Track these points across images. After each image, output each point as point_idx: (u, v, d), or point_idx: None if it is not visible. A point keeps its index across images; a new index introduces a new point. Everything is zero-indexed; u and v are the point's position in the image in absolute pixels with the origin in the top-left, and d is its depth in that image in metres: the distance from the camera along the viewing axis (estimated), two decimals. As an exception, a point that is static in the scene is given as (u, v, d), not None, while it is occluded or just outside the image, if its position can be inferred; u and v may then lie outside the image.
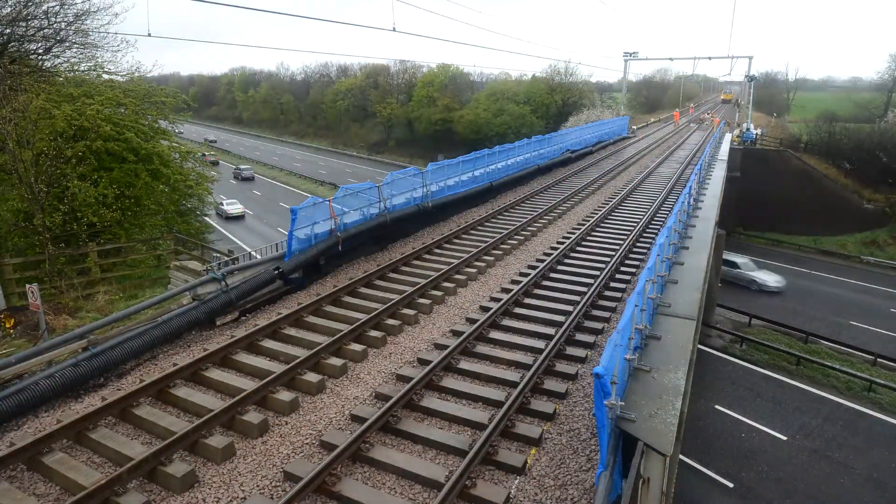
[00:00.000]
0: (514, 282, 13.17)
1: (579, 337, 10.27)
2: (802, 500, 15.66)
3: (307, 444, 7.32)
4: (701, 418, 19.10)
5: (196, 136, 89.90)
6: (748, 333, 26.07)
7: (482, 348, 9.91)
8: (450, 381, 8.79)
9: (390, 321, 10.82)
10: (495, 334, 10.43)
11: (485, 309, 11.64)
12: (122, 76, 25.15)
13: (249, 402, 7.99)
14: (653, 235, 17.26)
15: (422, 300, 11.86)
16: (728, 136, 44.17)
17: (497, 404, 8.06)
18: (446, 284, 12.92)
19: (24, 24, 21.28)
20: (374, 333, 10.31)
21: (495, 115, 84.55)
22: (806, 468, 16.95)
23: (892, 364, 23.54)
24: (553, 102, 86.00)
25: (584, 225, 18.34)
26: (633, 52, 57.35)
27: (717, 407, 20.05)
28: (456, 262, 14.11)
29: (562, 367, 9.16)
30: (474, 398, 8.36)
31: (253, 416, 7.66)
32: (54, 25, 22.02)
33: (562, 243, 16.23)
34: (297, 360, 8.94)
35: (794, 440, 18.27)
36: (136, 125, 22.58)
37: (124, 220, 21.26)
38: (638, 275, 13.10)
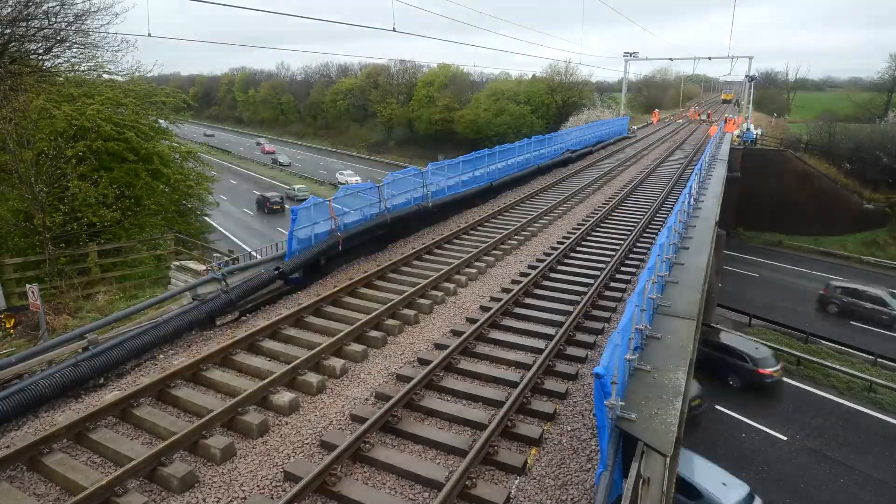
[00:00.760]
0: (514, 282, 13.17)
1: (579, 337, 10.27)
2: (802, 500, 15.66)
3: (307, 444, 7.33)
4: (701, 418, 19.09)
5: (197, 136, 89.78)
6: (748, 333, 26.05)
7: (482, 348, 9.92)
8: (450, 381, 8.79)
9: (390, 321, 10.82)
10: (495, 334, 10.44)
11: (485, 309, 11.63)
12: (122, 76, 25.17)
13: (250, 403, 8.01)
14: (653, 235, 17.25)
15: (422, 300, 11.86)
16: (728, 137, 44.17)
17: (497, 404, 8.06)
18: (446, 284, 12.92)
19: (24, 24, 21.29)
20: (374, 333, 10.32)
21: (495, 115, 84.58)
22: (806, 468, 16.95)
23: (892, 364, 23.53)
24: (553, 102, 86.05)
25: (584, 225, 18.33)
26: (633, 53, 57.32)
27: (717, 407, 20.05)
28: (456, 262, 14.11)
29: (562, 367, 9.16)
30: (475, 398, 8.36)
31: (253, 417, 7.67)
32: (54, 25, 22.03)
33: (562, 243, 16.23)
34: (298, 361, 8.95)
35: (794, 440, 18.27)
36: (137, 125, 22.59)
37: (124, 220, 21.27)
38: (638, 275, 13.10)
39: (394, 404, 7.80)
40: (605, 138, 42.54)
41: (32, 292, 13.85)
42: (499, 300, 11.86)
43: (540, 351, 9.61)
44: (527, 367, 9.07)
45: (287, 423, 7.75)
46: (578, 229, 17.80)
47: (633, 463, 5.71)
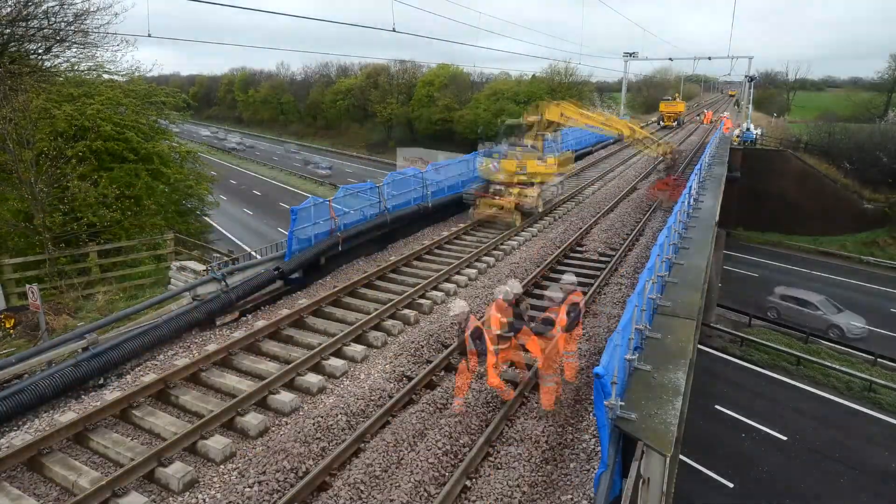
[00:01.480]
0: (514, 282, 13.16)
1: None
2: (802, 500, 15.67)
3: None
4: (701, 418, 19.09)
5: (196, 136, 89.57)
6: (748, 333, 26.06)
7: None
8: (450, 381, 8.80)
9: (390, 322, 10.83)
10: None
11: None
12: (122, 76, 25.15)
13: (249, 403, 8.01)
14: (653, 234, 17.25)
15: (422, 300, 11.86)
16: (728, 137, 44.14)
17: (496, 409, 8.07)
18: (446, 285, 12.92)
19: (24, 24, 21.27)
20: (374, 334, 10.32)
21: (495, 114, 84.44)
22: (806, 468, 16.95)
23: (892, 364, 23.54)
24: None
25: (583, 226, 18.31)
26: (633, 53, 57.27)
27: (717, 407, 20.06)
28: (456, 262, 14.11)
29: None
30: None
31: (252, 417, 7.68)
32: (54, 25, 22.01)
33: (563, 242, 16.22)
34: (298, 361, 8.96)
35: (794, 440, 18.28)
36: (137, 125, 22.58)
37: (124, 220, 21.25)
38: (638, 274, 13.10)
39: (394, 404, 7.80)
40: (605, 138, 42.49)
41: (32, 292, 13.84)
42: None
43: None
44: (527, 366, 9.08)
45: (287, 424, 7.76)
46: (578, 229, 17.78)
47: (633, 463, 5.72)
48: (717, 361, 23.85)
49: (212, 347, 9.72)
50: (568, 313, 7.96)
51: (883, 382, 21.43)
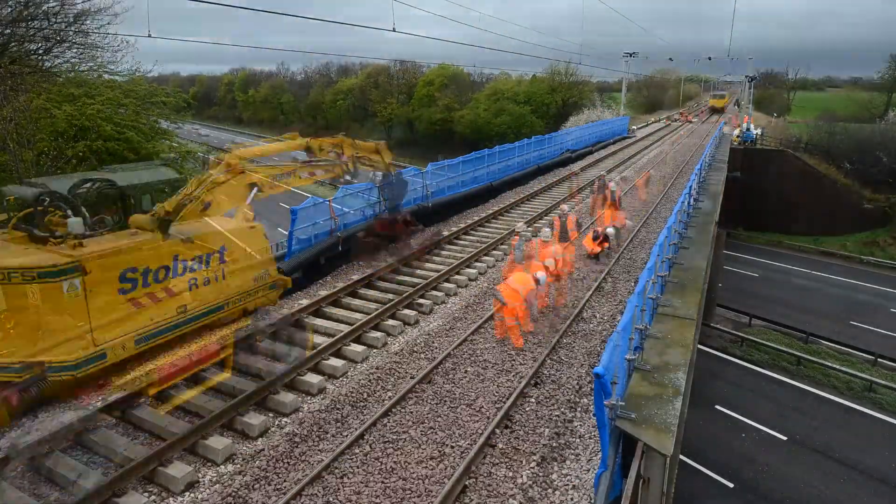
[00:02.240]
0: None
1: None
2: (802, 499, 15.67)
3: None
4: (701, 418, 19.10)
5: (196, 137, 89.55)
6: (748, 333, 26.07)
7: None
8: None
9: (391, 322, 10.83)
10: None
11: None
12: (122, 76, 25.13)
13: (249, 404, 8.04)
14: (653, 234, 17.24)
15: (422, 300, 11.86)
16: (728, 137, 44.16)
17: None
18: (446, 285, 12.92)
19: (24, 24, 21.27)
20: (374, 334, 10.32)
21: (495, 115, 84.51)
22: (806, 468, 16.96)
23: (892, 364, 23.55)
24: (553, 102, 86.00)
25: (582, 225, 18.30)
26: (633, 53, 57.30)
27: (717, 407, 20.06)
28: (456, 262, 14.11)
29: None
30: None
31: (253, 418, 7.71)
32: (54, 26, 21.99)
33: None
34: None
35: (794, 440, 18.28)
36: (137, 125, 22.58)
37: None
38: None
39: (394, 404, 7.80)
40: (605, 138, 42.54)
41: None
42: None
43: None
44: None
45: (287, 424, 7.77)
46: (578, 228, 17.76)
47: (633, 463, 5.72)
48: (717, 361, 23.85)
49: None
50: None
51: (883, 382, 21.44)
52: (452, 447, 7.15)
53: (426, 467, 6.79)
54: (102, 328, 7.78)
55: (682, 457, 15.46)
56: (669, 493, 6.32)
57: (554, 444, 7.31)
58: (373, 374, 8.98)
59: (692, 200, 16.96)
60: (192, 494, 6.42)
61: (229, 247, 9.64)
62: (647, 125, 62.46)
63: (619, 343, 6.23)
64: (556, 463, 7.00)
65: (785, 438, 18.33)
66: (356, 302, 11.87)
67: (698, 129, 58.50)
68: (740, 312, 28.61)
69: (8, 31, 21.02)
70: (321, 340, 9.75)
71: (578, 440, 7.44)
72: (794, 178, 44.56)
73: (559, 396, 8.39)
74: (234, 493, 6.39)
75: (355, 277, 12.97)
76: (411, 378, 8.77)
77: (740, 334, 25.81)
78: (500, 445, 7.25)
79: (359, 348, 9.77)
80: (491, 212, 19.78)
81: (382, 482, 6.55)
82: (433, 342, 10.17)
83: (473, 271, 13.92)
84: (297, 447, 7.17)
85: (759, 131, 49.50)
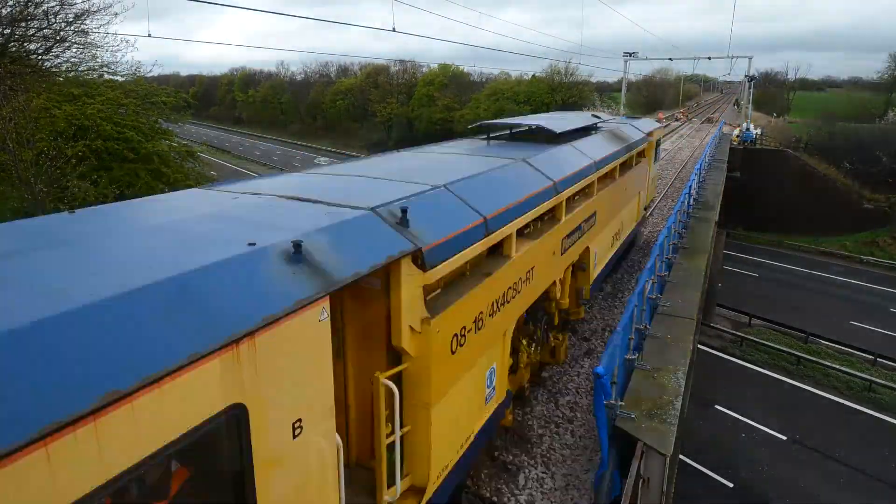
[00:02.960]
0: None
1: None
2: (802, 499, 15.67)
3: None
4: (701, 418, 19.11)
5: (196, 137, 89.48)
6: (748, 333, 26.07)
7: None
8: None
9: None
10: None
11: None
12: (122, 76, 25.15)
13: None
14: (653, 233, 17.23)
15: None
16: (728, 137, 44.17)
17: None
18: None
19: (24, 24, 21.27)
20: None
21: (495, 114, 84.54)
22: (806, 468, 16.96)
23: (892, 364, 23.56)
24: (553, 102, 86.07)
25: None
26: (633, 53, 57.26)
27: (717, 407, 20.06)
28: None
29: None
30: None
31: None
32: (54, 26, 22.01)
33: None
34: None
35: (793, 440, 18.28)
36: (137, 124, 22.60)
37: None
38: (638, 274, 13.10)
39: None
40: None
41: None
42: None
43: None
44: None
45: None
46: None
47: (633, 463, 5.72)
48: (717, 361, 23.85)
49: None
50: None
51: (883, 382, 21.44)
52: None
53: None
54: None
55: (681, 457, 15.48)
56: (669, 493, 6.31)
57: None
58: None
59: (692, 200, 16.96)
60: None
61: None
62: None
63: (618, 343, 6.22)
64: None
65: (785, 438, 18.33)
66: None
67: (698, 127, 58.47)
68: (740, 312, 28.62)
69: (8, 30, 21.02)
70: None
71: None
72: (794, 178, 44.56)
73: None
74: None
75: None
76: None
77: (740, 334, 25.82)
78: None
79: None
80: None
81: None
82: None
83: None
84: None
85: (758, 131, 49.51)
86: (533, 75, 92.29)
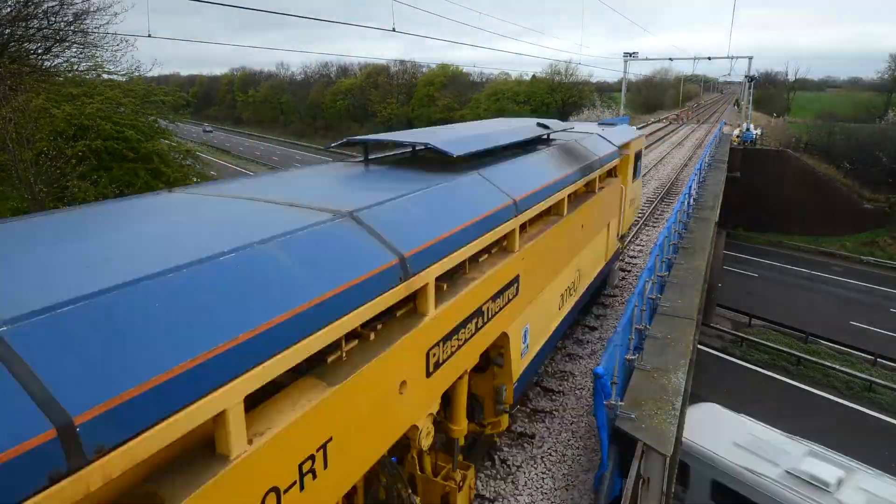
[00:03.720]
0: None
1: (578, 335, 10.29)
2: (802, 500, 15.66)
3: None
4: (701, 418, 19.10)
5: (196, 137, 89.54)
6: (748, 333, 26.06)
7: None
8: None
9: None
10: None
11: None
12: (121, 76, 25.15)
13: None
14: (653, 233, 17.25)
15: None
16: (728, 137, 44.18)
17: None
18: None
19: (23, 23, 21.27)
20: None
21: (495, 114, 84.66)
22: (806, 468, 16.95)
23: (892, 364, 23.55)
24: (553, 102, 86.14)
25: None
26: (633, 53, 57.27)
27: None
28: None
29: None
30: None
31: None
32: (54, 25, 22.01)
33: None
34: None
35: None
36: (136, 123, 22.60)
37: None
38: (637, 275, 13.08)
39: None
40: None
41: (32, 292, 13.79)
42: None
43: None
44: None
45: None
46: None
47: (632, 463, 5.71)
48: (717, 361, 23.84)
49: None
50: None
51: (883, 382, 21.44)
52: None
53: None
54: None
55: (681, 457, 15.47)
56: (669, 493, 6.30)
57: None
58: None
59: (692, 200, 16.97)
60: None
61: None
62: (646, 125, 62.48)
63: (618, 343, 6.22)
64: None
65: (785, 438, 18.33)
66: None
67: (698, 127, 58.51)
68: (740, 312, 28.61)
69: (7, 30, 21.03)
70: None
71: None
72: (794, 179, 44.58)
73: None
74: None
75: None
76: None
77: (740, 334, 25.81)
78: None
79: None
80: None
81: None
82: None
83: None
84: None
85: (758, 131, 49.52)
86: (533, 75, 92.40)
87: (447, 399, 5.07)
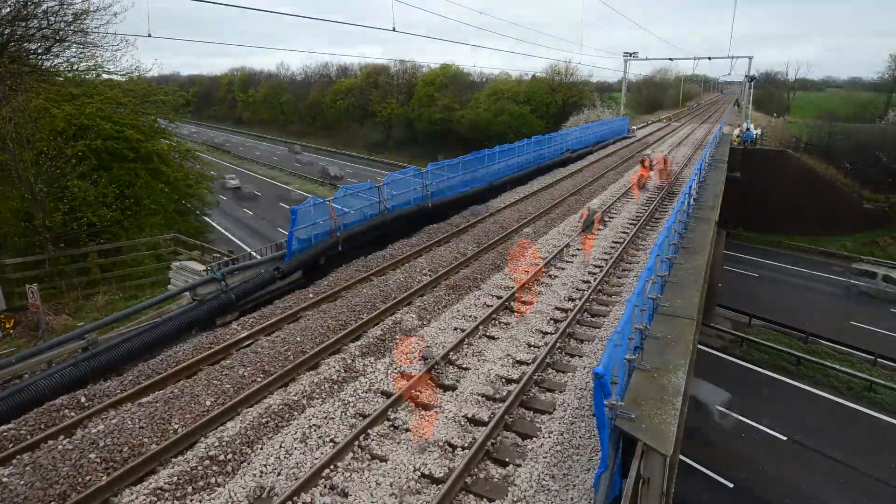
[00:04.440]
0: (507, 287, 13.16)
1: (576, 330, 10.29)
2: (802, 500, 15.67)
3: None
4: (701, 418, 19.10)
5: (196, 138, 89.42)
6: (748, 333, 26.07)
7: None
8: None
9: (391, 321, 10.82)
10: (493, 331, 10.45)
11: (487, 306, 11.64)
12: (121, 76, 25.16)
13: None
14: (651, 235, 17.23)
15: (422, 300, 11.85)
16: (728, 137, 44.16)
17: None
18: (445, 283, 12.90)
19: (23, 23, 21.28)
20: (375, 332, 10.31)
21: (495, 115, 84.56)
22: (806, 468, 16.95)
23: (892, 364, 23.55)
24: (553, 102, 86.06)
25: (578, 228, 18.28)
26: (633, 53, 57.20)
27: (717, 407, 20.06)
28: (456, 263, 14.09)
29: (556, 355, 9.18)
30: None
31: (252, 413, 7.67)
32: (54, 25, 22.01)
33: (560, 242, 16.20)
34: (297, 362, 8.97)
35: (793, 440, 18.28)
36: (136, 123, 22.62)
37: (124, 220, 21.26)
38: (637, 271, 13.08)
39: (394, 401, 7.82)
40: (605, 138, 42.50)
41: (32, 292, 13.87)
42: (500, 297, 11.86)
43: (538, 347, 9.63)
44: (526, 363, 9.09)
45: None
46: (576, 230, 17.76)
47: (632, 463, 5.71)
48: (717, 361, 23.85)
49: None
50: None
51: (883, 382, 21.44)
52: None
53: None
54: None
55: (681, 457, 15.47)
56: (669, 493, 6.31)
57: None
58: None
59: (692, 200, 16.95)
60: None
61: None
62: (646, 125, 62.45)
63: (618, 343, 6.22)
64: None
65: (785, 438, 18.33)
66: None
67: (698, 127, 58.47)
68: (740, 312, 28.62)
69: (7, 30, 21.03)
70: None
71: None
72: (794, 179, 44.55)
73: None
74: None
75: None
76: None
77: (740, 334, 25.82)
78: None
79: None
80: (490, 211, 19.79)
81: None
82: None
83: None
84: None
85: (758, 131, 49.48)
86: (533, 75, 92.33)
87: None
